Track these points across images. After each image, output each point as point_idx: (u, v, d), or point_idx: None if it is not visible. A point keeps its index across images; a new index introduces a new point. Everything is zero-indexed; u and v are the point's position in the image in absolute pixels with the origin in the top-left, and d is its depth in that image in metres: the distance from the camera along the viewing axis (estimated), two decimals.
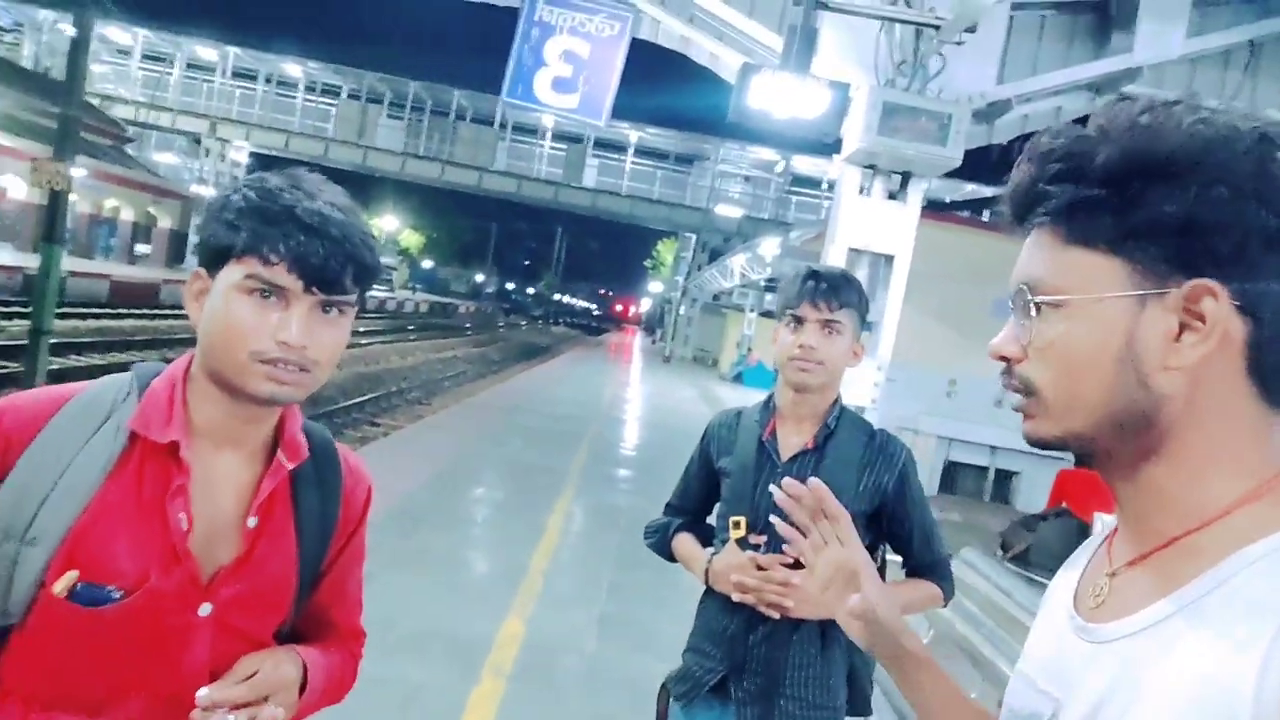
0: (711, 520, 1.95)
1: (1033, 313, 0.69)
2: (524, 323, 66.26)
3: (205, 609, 0.99)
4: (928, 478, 9.14)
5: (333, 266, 0.95)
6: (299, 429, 1.09)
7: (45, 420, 0.97)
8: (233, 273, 0.95)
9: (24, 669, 0.95)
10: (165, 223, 32.96)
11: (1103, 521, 0.84)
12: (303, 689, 1.05)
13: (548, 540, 6.00)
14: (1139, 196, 0.64)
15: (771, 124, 4.87)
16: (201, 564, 0.99)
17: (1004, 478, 10.18)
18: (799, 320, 1.73)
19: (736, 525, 1.75)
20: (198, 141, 33.23)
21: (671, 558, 1.97)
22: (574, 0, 6.16)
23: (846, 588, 0.93)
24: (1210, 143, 0.63)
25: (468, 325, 44.77)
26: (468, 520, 6.37)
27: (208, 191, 32.28)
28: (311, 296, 0.96)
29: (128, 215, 31.02)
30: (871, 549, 1.82)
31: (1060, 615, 0.75)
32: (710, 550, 1.83)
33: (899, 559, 1.85)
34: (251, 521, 1.02)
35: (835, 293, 1.71)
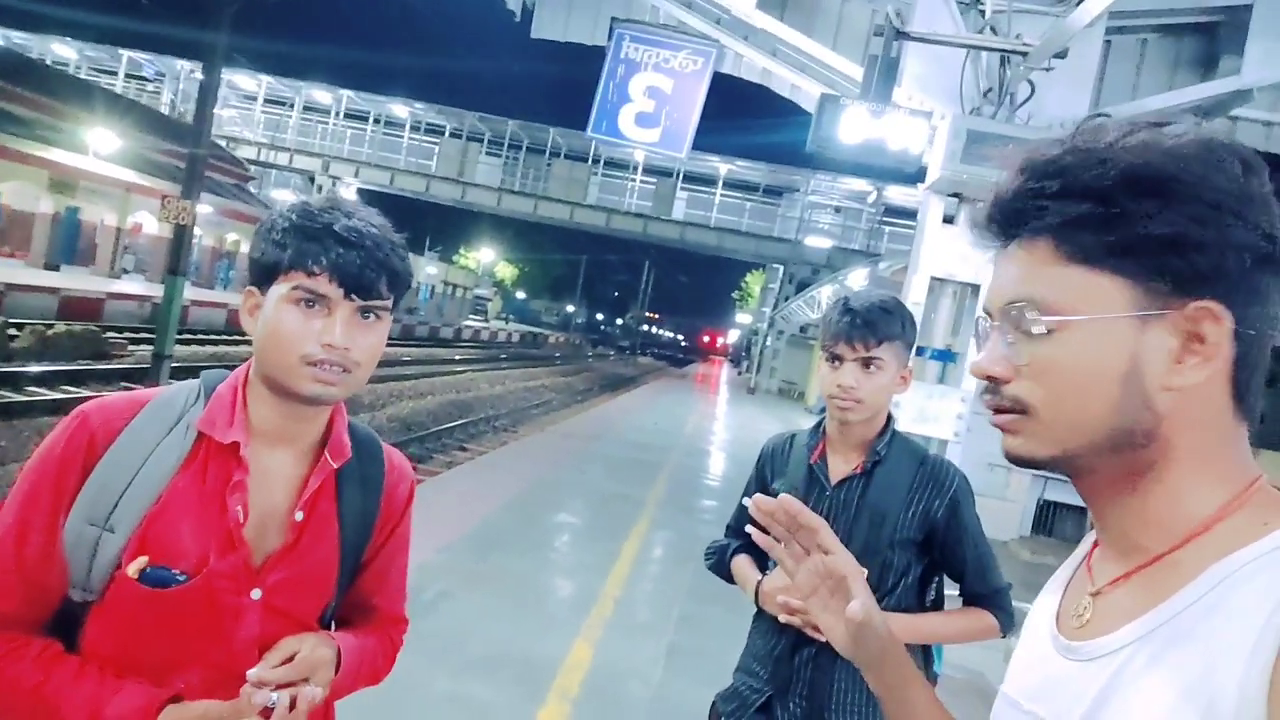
0: None
1: (1035, 331, 0.67)
2: (611, 353, 66.94)
3: (256, 593, 1.09)
4: (1020, 518, 8.71)
5: (368, 275, 1.06)
6: (345, 430, 1.19)
7: (127, 421, 1.08)
8: (281, 286, 1.06)
9: (103, 638, 1.07)
10: None
11: (1082, 545, 0.82)
12: (337, 670, 1.13)
13: (621, 568, 6.02)
14: (1143, 215, 0.64)
15: (851, 153, 4.85)
16: (254, 552, 1.09)
17: None
18: (838, 358, 1.72)
19: None
20: (311, 179, 35.29)
21: (730, 579, 1.97)
22: (659, 38, 6.32)
23: (834, 597, 0.90)
24: (1200, 162, 0.63)
25: (557, 355, 45.61)
26: (544, 544, 6.46)
27: None
28: (351, 303, 1.06)
29: (246, 249, 33.20)
30: (925, 578, 1.78)
31: (1043, 636, 0.75)
32: (767, 573, 1.83)
33: (956, 589, 1.80)
34: (299, 515, 1.12)
35: (872, 329, 1.69)
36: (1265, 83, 5.54)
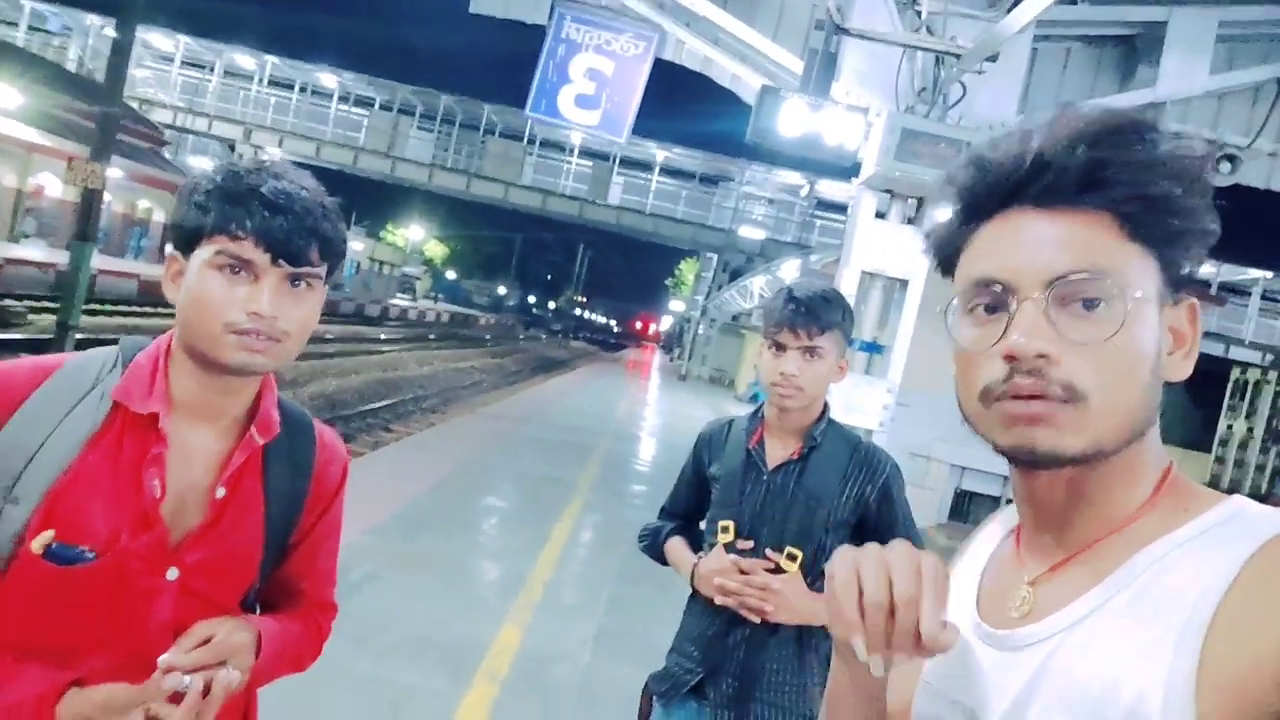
0: (703, 525, 1.97)
1: (1104, 305, 0.62)
2: (543, 336, 66.51)
3: (172, 573, 1.04)
4: (938, 505, 9.05)
5: (297, 240, 1.00)
6: (274, 406, 1.14)
7: (34, 387, 1.02)
8: (204, 251, 1.00)
9: (4, 619, 1.00)
10: None
11: (990, 528, 0.82)
12: (257, 655, 1.08)
13: (551, 550, 6.01)
14: (1198, 208, 0.64)
15: (788, 145, 4.91)
16: (171, 530, 1.04)
17: None
18: (780, 346, 1.74)
19: (725, 530, 1.77)
20: (232, 147, 33.81)
21: (664, 560, 1.99)
22: (601, 19, 6.27)
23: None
24: (1203, 160, 0.64)
25: (487, 336, 45.00)
26: (473, 526, 6.39)
27: None
28: (279, 269, 1.00)
29: (159, 217, 31.59)
30: None
31: (964, 624, 0.73)
32: (700, 554, 1.85)
33: None
34: (220, 492, 1.07)
35: (815, 318, 1.72)
36: (1177, 96, 5.85)
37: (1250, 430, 17.95)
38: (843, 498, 1.76)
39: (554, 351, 47.01)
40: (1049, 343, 0.62)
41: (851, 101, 5.09)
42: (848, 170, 5.91)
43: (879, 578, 0.64)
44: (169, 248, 1.07)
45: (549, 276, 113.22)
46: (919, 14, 5.10)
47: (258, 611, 1.20)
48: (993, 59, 4.88)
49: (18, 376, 1.03)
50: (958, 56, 4.87)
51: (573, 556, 6.07)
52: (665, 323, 73.92)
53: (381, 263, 54.70)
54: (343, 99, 34.22)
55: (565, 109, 6.13)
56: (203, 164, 37.25)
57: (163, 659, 0.98)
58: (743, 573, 1.70)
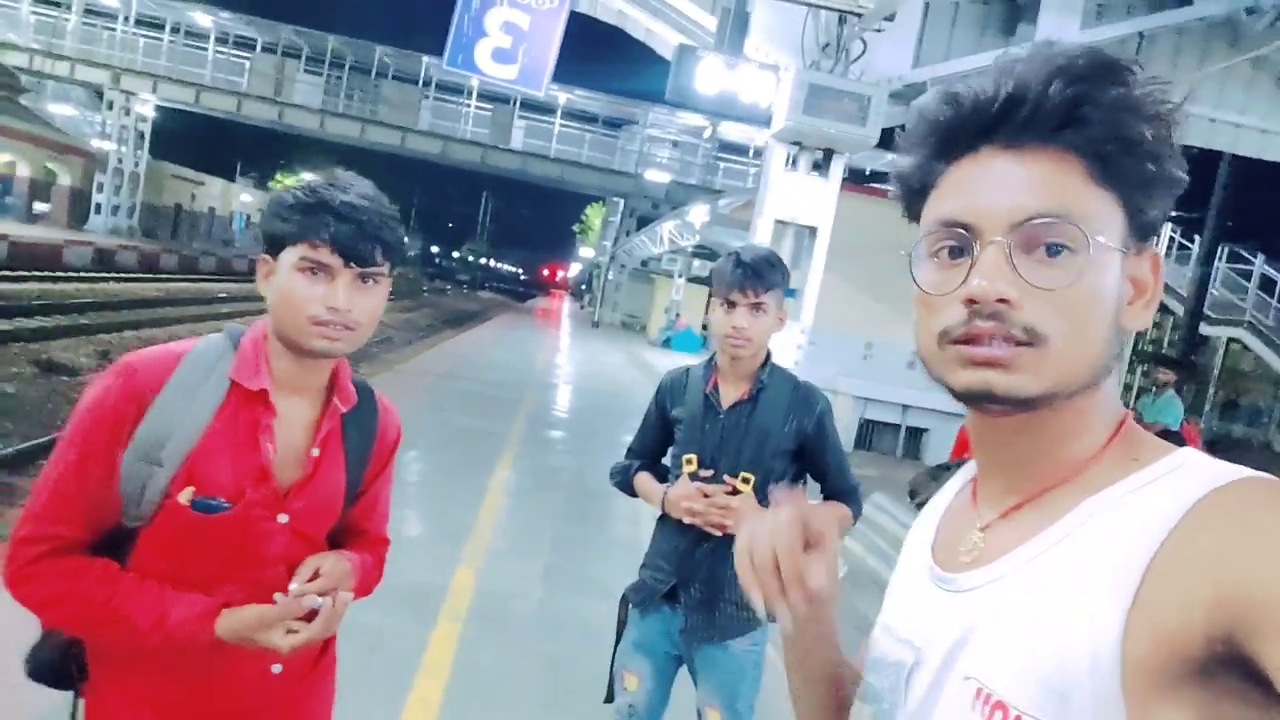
0: (665, 461, 2.28)
1: (1069, 251, 0.62)
2: (449, 288, 65.19)
3: (282, 518, 1.28)
4: (845, 435, 9.72)
5: (364, 246, 1.21)
6: (349, 380, 1.38)
7: (169, 373, 1.23)
8: (290, 256, 1.22)
9: (152, 557, 1.24)
10: (65, 180, 31.17)
11: (957, 477, 0.84)
12: None
13: (492, 499, 6.26)
14: (1170, 154, 0.63)
15: (707, 103, 5.16)
16: (280, 483, 1.28)
17: (914, 435, 10.89)
18: (731, 303, 2.04)
19: (689, 462, 2.09)
20: (99, 94, 31.32)
21: (633, 492, 2.28)
22: None
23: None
24: (1178, 106, 0.64)
25: (390, 291, 43.69)
26: (414, 481, 6.55)
27: (111, 146, 30.62)
28: (350, 270, 1.22)
29: (23, 171, 29.21)
30: (795, 480, 2.18)
31: (919, 568, 0.77)
32: (668, 484, 2.16)
33: (818, 486, 2.22)
34: (315, 451, 1.32)
35: (760, 278, 2.02)
36: None
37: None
38: (785, 430, 2.09)
39: (463, 303, 46.25)
40: (1010, 286, 0.61)
41: (761, 58, 5.36)
42: (747, 113, 6.18)
43: (765, 542, 0.73)
44: (260, 252, 1.28)
45: (451, 226, 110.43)
46: None
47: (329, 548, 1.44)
48: (890, 17, 5.22)
49: (158, 363, 1.24)
50: (859, 15, 5.19)
51: (513, 502, 6.34)
52: (573, 270, 73.53)
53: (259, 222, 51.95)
54: (221, 40, 32.02)
55: (482, 63, 6.16)
56: (65, 111, 34.41)
57: (293, 588, 1.24)
58: (706, 496, 2.03)
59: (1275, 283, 14.82)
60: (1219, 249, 13.78)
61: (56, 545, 1.20)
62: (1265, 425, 23.92)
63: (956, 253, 0.66)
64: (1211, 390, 16.13)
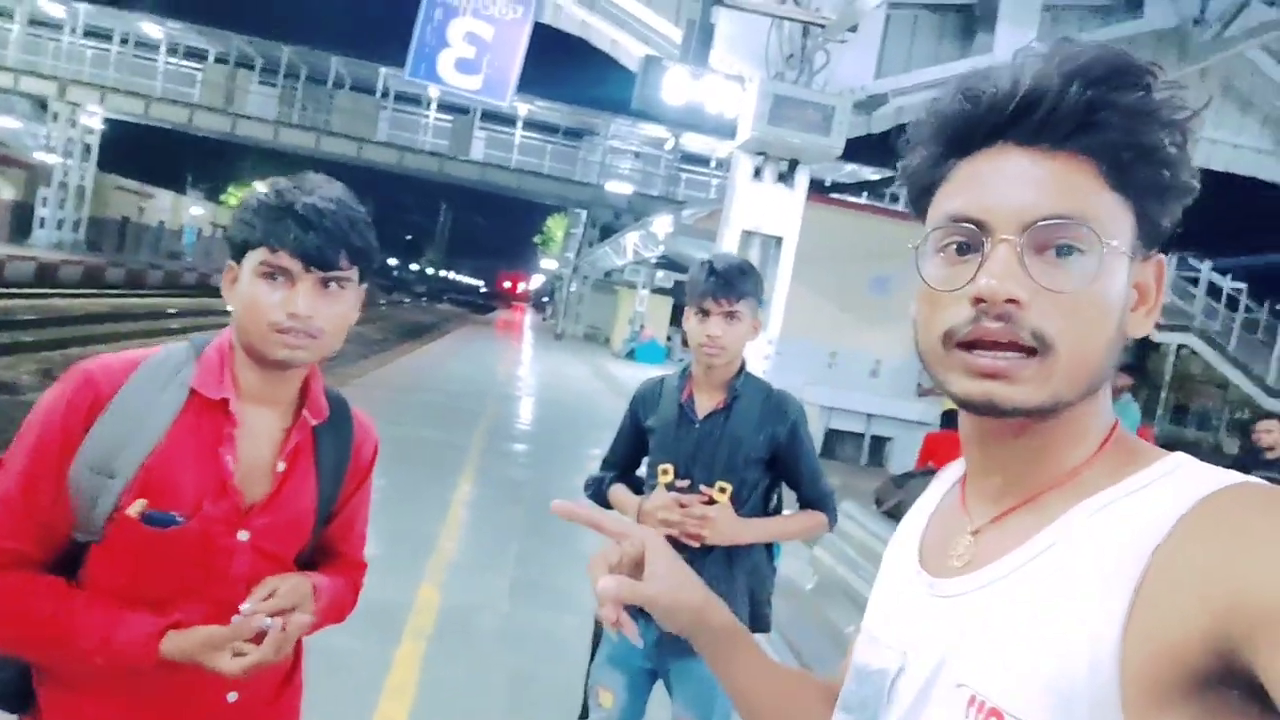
0: (640, 472, 2.23)
1: (1079, 254, 0.60)
2: (406, 300, 64.44)
3: (244, 535, 1.22)
4: None
5: (326, 250, 1.16)
6: (321, 392, 1.32)
7: (125, 378, 1.18)
8: (250, 261, 1.18)
9: (105, 575, 1.18)
10: (7, 194, 30.23)
11: (940, 480, 0.83)
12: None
13: (455, 513, 6.15)
14: (1184, 160, 0.62)
15: (674, 113, 5.15)
16: (242, 498, 1.21)
17: (878, 443, 10.99)
18: (705, 312, 2.01)
19: (665, 472, 2.04)
20: (44, 105, 30.44)
21: (607, 505, 2.23)
22: None
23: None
24: (1194, 114, 0.63)
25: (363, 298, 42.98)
26: (375, 498, 6.40)
27: (55, 160, 29.77)
28: (311, 275, 1.17)
29: None
30: (769, 490, 2.14)
31: (905, 573, 0.75)
32: (643, 496, 2.11)
33: (793, 494, 2.19)
34: (280, 466, 1.25)
35: (734, 287, 2.00)
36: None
37: None
38: (760, 438, 2.06)
39: (420, 316, 45.73)
40: (1020, 287, 0.60)
41: (725, 69, 5.37)
42: (707, 126, 6.21)
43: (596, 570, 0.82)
44: (227, 258, 1.24)
45: (409, 237, 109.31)
46: None
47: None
48: (853, 29, 5.27)
49: (114, 368, 1.18)
50: (822, 26, 5.23)
51: (476, 516, 6.24)
52: (535, 281, 73.33)
53: (225, 228, 51.02)
54: (171, 51, 31.35)
55: (445, 74, 6.08)
56: (8, 123, 33.35)
57: (244, 607, 1.17)
58: (682, 506, 1.98)
59: (1221, 290, 15.31)
60: (1167, 257, 14.14)
61: (4, 560, 1.14)
62: (1215, 428, 24.68)
63: (964, 249, 0.64)
64: (1163, 394, 16.59)
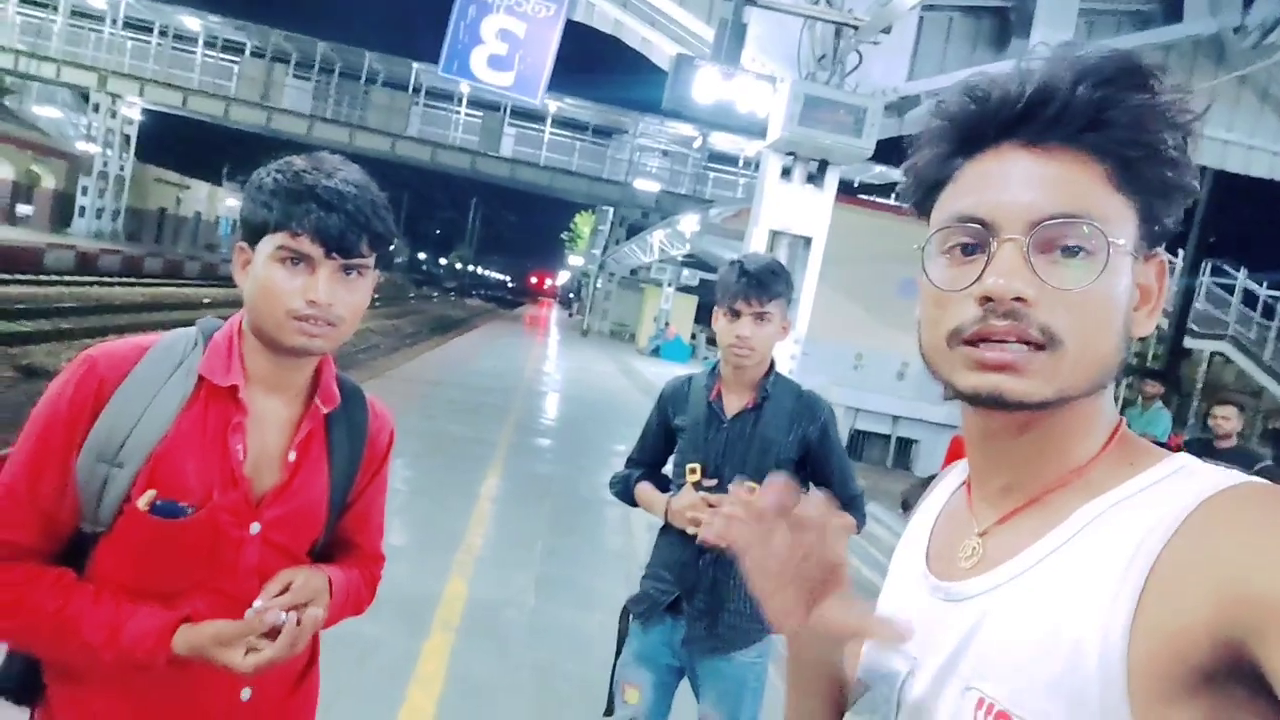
0: (666, 470, 2.26)
1: (1090, 249, 0.61)
2: (436, 295, 64.98)
3: (255, 527, 1.18)
4: None
5: (349, 236, 1.11)
6: (333, 379, 1.27)
7: (132, 365, 1.14)
8: (267, 245, 1.12)
9: (113, 567, 1.14)
10: (49, 183, 30.91)
11: (945, 482, 0.83)
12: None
13: (482, 507, 6.22)
14: (1187, 163, 0.63)
15: (704, 112, 5.17)
16: (252, 488, 1.18)
17: (904, 445, 10.92)
18: (736, 313, 2.03)
19: (693, 471, 2.07)
20: (85, 96, 31.08)
21: (633, 502, 2.26)
22: None
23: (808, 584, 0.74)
24: (1199, 114, 0.64)
25: (377, 297, 43.25)
26: (404, 489, 6.50)
27: (96, 149, 30.41)
28: (333, 262, 1.12)
29: (6, 173, 28.94)
30: (800, 488, 2.15)
31: (913, 576, 0.75)
32: (670, 493, 2.14)
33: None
34: (292, 455, 1.21)
35: (765, 288, 2.01)
36: None
37: None
38: (790, 438, 2.08)
39: (450, 310, 46.14)
40: (1027, 285, 0.60)
41: (758, 69, 5.38)
42: (738, 125, 6.22)
43: (778, 553, 0.73)
44: (238, 239, 1.17)
45: (439, 232, 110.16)
46: None
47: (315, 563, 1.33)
48: (886, 30, 5.25)
49: (119, 355, 1.15)
50: (855, 28, 5.22)
51: (504, 512, 6.30)
52: (562, 278, 73.53)
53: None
54: (209, 44, 31.90)
55: (478, 70, 6.15)
56: (50, 113, 34.12)
57: (256, 604, 1.14)
58: (710, 506, 2.01)
59: (1257, 297, 15.00)
60: (1202, 263, 13.94)
61: (7, 552, 1.10)
62: (1247, 436, 24.13)
63: (970, 249, 0.64)
64: (1195, 402, 16.29)
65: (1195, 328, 14.38)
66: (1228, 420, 4.69)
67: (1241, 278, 14.92)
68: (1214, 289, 15.32)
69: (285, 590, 1.17)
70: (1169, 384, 7.46)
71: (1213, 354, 16.29)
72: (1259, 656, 0.51)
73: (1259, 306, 15.06)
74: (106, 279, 21.57)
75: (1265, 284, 15.02)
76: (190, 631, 1.11)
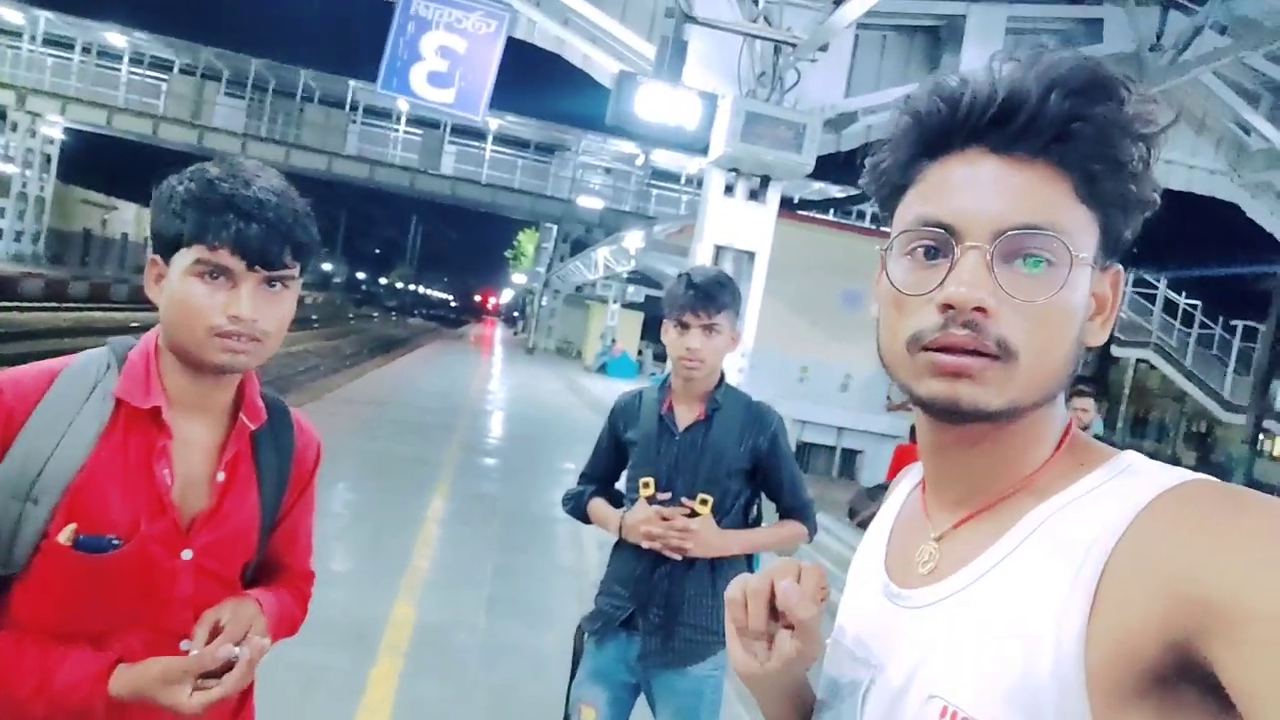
0: (619, 485, 2.24)
1: (1053, 261, 0.61)
2: (376, 315, 63.86)
3: (187, 554, 1.12)
4: None
5: (271, 247, 1.06)
6: (258, 394, 1.23)
7: (41, 394, 1.07)
8: (184, 258, 1.06)
9: (33, 610, 1.07)
10: None
11: (899, 488, 0.84)
12: None
13: (429, 529, 6.09)
14: (1146, 176, 0.63)
15: (648, 129, 5.21)
16: (181, 515, 1.12)
17: (849, 456, 11.10)
18: (684, 325, 2.03)
19: (646, 485, 2.05)
20: (2, 115, 29.82)
21: (587, 519, 2.24)
22: None
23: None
24: (1165, 128, 0.64)
25: (314, 317, 42.50)
26: (348, 512, 6.33)
27: (14, 170, 29.20)
28: (255, 274, 1.06)
29: None
30: (749, 501, 2.16)
31: (873, 584, 0.75)
32: (623, 509, 2.12)
33: (773, 505, 2.21)
34: (220, 476, 1.16)
35: (712, 300, 2.02)
36: None
37: None
38: (741, 449, 2.08)
39: (391, 330, 45.42)
40: (989, 295, 0.60)
41: (699, 86, 5.44)
42: (691, 145, 6.28)
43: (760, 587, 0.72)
44: (150, 252, 1.12)
45: (379, 251, 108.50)
46: (756, 3, 5.51)
47: (244, 586, 1.27)
48: (823, 48, 5.37)
49: (27, 383, 1.08)
50: (793, 45, 5.32)
51: (451, 532, 6.18)
52: (506, 296, 73.07)
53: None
54: (135, 61, 30.94)
55: (418, 87, 6.08)
56: None
57: (191, 645, 1.08)
58: (665, 519, 1.99)
59: (1177, 306, 15.72)
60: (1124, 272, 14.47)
61: None
62: (1172, 439, 25.25)
63: (933, 253, 0.64)
64: (1122, 407, 16.95)
65: (1121, 336, 14.99)
66: (1085, 413, 4.72)
67: (1163, 287, 15.62)
68: (1137, 299, 15.99)
69: (218, 630, 1.10)
70: (1099, 390, 7.72)
71: (1138, 361, 16.98)
72: (1208, 657, 0.51)
73: (1179, 314, 15.78)
74: (28, 303, 20.65)
75: (1184, 293, 15.75)
76: (129, 673, 1.04)
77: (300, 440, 1.29)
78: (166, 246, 1.08)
